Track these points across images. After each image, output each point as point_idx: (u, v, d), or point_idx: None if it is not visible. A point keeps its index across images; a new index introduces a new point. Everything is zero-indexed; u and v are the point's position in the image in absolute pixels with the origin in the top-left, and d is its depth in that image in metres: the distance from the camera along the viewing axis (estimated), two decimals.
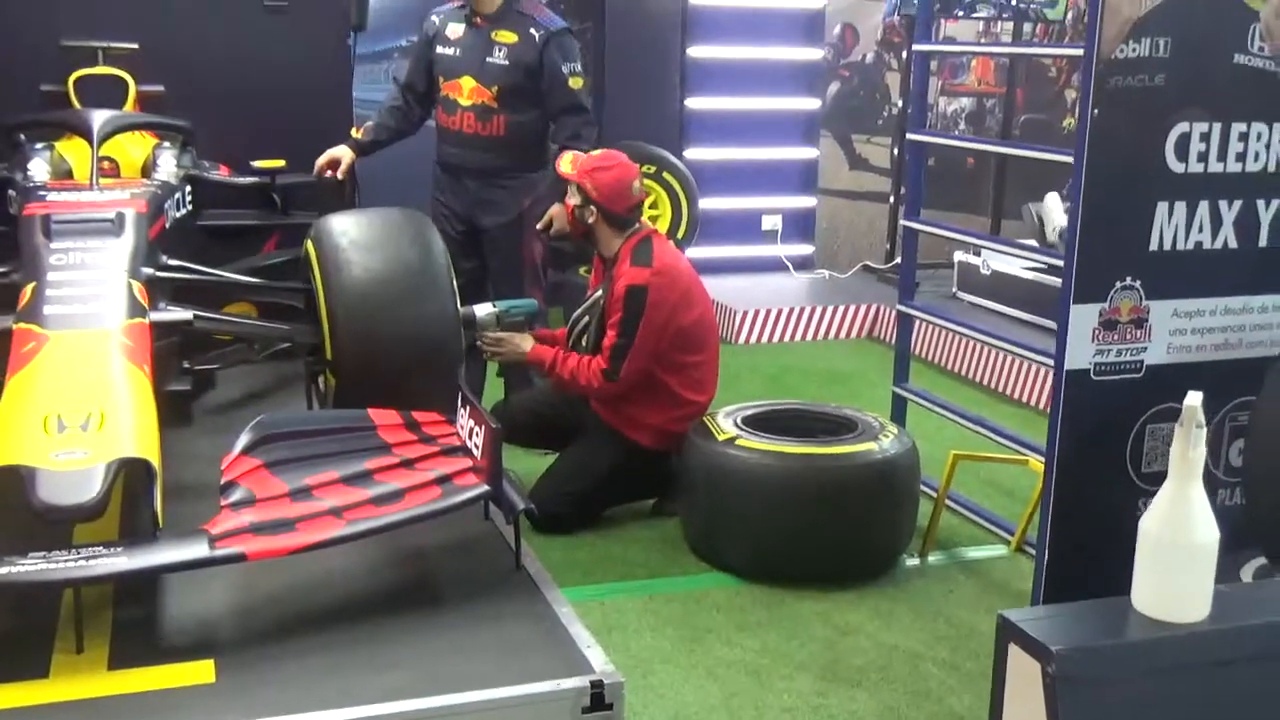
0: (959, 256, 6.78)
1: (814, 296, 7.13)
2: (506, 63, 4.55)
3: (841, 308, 6.84)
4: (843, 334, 6.83)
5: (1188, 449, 2.06)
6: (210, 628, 3.14)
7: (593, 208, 4.06)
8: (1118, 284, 3.08)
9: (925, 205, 7.54)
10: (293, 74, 5.99)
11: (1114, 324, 3.09)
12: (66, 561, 2.67)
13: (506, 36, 4.53)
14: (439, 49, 4.64)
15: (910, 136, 4.33)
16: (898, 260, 7.35)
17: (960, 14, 7.52)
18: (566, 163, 4.11)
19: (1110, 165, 3.00)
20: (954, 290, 6.82)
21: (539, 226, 4.64)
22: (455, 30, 4.61)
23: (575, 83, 4.58)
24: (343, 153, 4.71)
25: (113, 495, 3.00)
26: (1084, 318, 3.05)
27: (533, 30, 4.51)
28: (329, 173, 4.72)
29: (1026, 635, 2.08)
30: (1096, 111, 2.94)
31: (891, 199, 7.51)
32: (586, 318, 4.16)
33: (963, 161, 7.97)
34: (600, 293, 4.11)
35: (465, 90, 4.58)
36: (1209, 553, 2.09)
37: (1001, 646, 2.14)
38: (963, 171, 7.98)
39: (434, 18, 4.70)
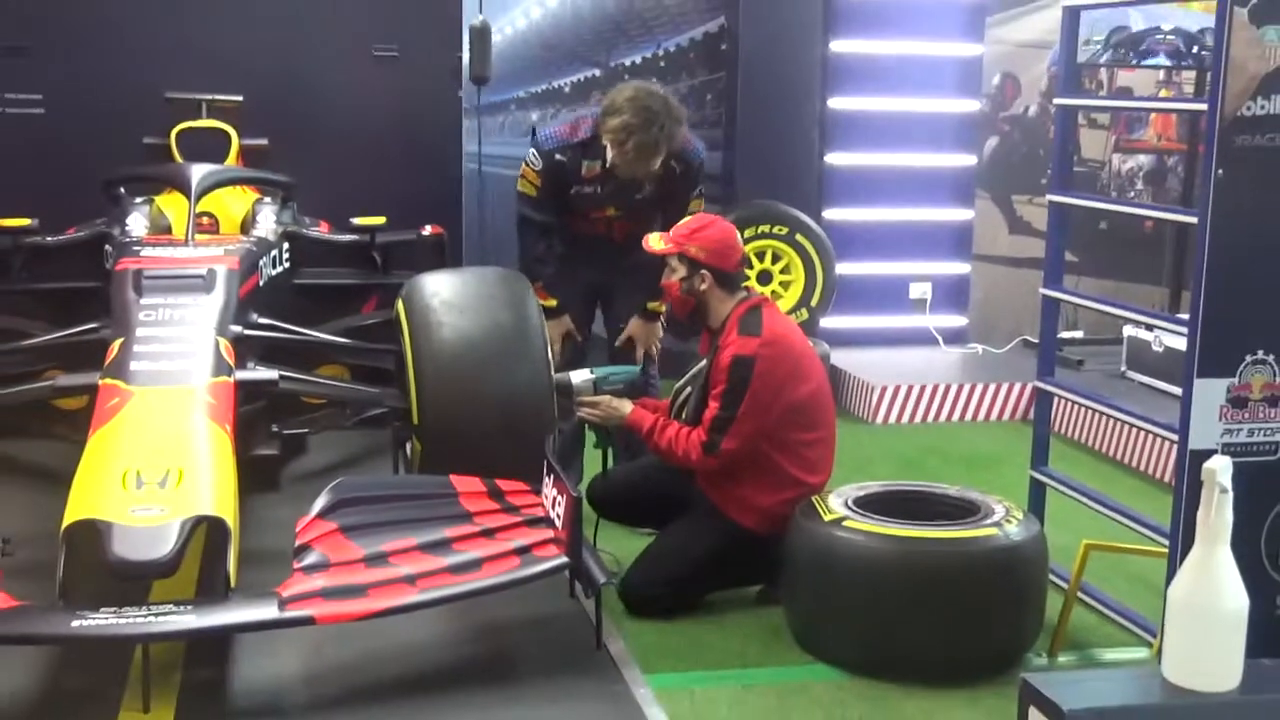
0: (1128, 331, 6.79)
1: (964, 373, 7.20)
2: (654, 195, 5.02)
3: (994, 386, 6.91)
4: (994, 415, 6.89)
5: (1211, 513, 2.22)
6: (278, 694, 3.44)
7: (704, 272, 4.26)
8: (1248, 358, 3.19)
9: (1099, 274, 7.64)
10: (401, 126, 6.44)
11: (1244, 401, 3.20)
12: (136, 618, 3.00)
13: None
14: (575, 189, 4.99)
15: (1050, 198, 4.48)
16: (1065, 334, 7.46)
17: (1135, 62, 7.61)
18: (655, 240, 4.38)
19: (1236, 228, 3.13)
20: (1123, 368, 6.85)
21: (617, 344, 5.12)
22: (590, 169, 4.95)
23: (696, 206, 5.04)
24: (562, 324, 5.05)
25: (190, 554, 3.35)
26: (1210, 394, 3.16)
27: (674, 164, 4.96)
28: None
29: (1043, 697, 2.25)
30: (1220, 172, 3.09)
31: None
32: (689, 389, 4.38)
33: (1141, 225, 8.00)
34: (705, 363, 4.33)
35: (607, 213, 5.05)
36: (1238, 620, 2.24)
37: (1022, 711, 2.31)
38: (1140, 236, 8.01)
39: (557, 155, 4.93)
